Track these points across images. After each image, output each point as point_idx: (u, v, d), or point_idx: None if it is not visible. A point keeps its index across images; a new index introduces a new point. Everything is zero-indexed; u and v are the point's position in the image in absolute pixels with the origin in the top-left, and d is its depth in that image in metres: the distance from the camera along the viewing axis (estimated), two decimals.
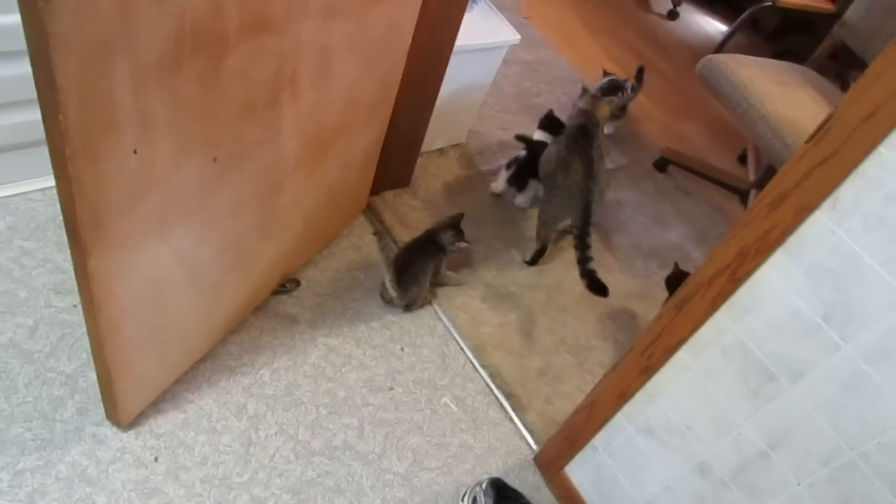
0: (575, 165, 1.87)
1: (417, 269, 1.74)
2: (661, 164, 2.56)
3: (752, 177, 2.57)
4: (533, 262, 2.03)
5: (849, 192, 0.89)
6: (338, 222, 1.85)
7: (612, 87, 2.45)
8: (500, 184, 2.17)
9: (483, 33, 1.94)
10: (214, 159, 1.13)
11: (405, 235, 1.93)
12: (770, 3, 2.25)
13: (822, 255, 0.94)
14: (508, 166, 2.15)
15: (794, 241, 0.96)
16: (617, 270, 2.12)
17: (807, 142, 0.91)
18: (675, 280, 1.92)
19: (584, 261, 1.78)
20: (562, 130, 2.18)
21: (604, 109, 2.10)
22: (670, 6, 3.58)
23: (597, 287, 1.76)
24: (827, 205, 0.91)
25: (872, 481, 0.96)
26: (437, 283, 1.83)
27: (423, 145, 2.12)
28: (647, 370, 1.23)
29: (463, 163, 2.25)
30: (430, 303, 1.82)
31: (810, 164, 0.91)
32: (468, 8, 1.95)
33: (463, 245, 1.80)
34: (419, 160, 2.15)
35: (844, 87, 3.36)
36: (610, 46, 3.14)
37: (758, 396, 1.07)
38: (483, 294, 1.89)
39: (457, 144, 2.29)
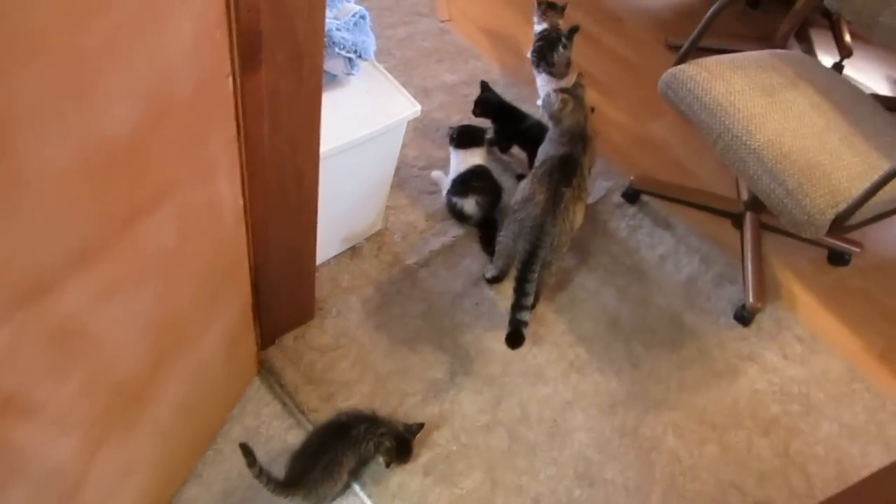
0: (538, 198, 1.56)
1: (332, 461, 1.30)
2: (632, 196, 2.08)
3: (744, 195, 2.09)
4: (492, 281, 1.79)
5: None
6: (218, 414, 1.40)
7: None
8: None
9: (368, 116, 1.44)
10: None
11: (314, 399, 1.49)
12: None
13: None
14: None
15: None
16: (595, 370, 1.68)
17: None
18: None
19: (515, 308, 1.51)
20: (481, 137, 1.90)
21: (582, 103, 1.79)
22: None
23: (512, 339, 1.51)
24: None
25: None
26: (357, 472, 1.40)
27: (323, 254, 1.66)
28: None
29: (383, 259, 1.77)
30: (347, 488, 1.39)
31: None
32: (343, 83, 1.46)
33: (385, 464, 1.41)
34: (325, 271, 1.70)
35: (840, 46, 2.84)
36: None
37: None
38: (425, 462, 1.46)
39: (373, 235, 1.81)
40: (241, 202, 1.07)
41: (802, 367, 1.80)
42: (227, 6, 0.82)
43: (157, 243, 0.87)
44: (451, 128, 1.91)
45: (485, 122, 2.01)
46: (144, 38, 0.68)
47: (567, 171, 1.61)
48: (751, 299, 1.84)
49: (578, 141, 1.70)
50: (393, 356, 1.60)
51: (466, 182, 1.83)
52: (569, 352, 1.70)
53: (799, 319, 1.91)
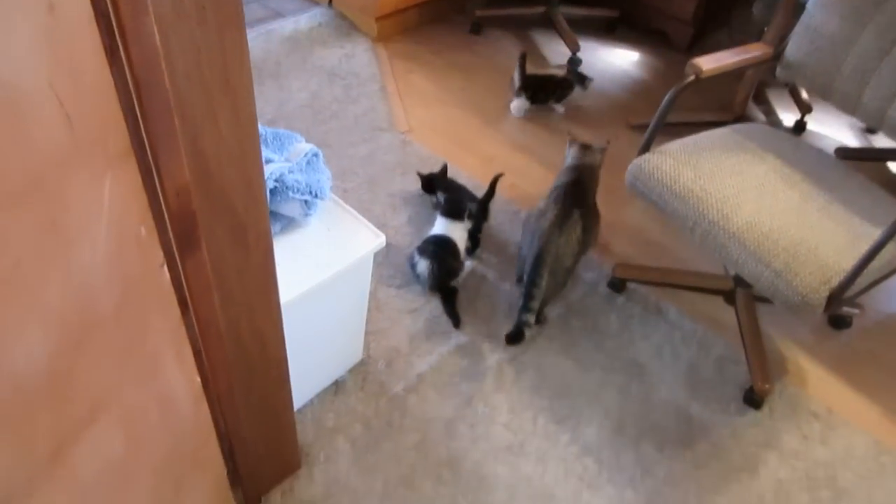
0: (549, 213, 1.75)
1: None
2: (618, 285, 2.03)
3: (731, 271, 2.04)
4: (511, 339, 1.83)
5: None
6: None
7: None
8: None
9: (331, 255, 1.39)
10: None
11: None
12: (693, 79, 1.72)
13: None
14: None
15: None
16: (606, 483, 1.57)
17: None
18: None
19: (521, 309, 1.72)
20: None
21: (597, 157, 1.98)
22: (569, 54, 3.06)
23: (514, 337, 1.78)
24: None
25: None
26: None
27: (305, 395, 1.59)
28: None
29: (369, 390, 1.69)
30: None
31: None
32: (302, 224, 1.42)
33: None
34: (308, 412, 1.61)
35: (799, 104, 2.88)
36: (513, 134, 2.61)
37: None
38: None
39: (355, 366, 1.73)
40: (198, 380, 1.00)
41: (824, 447, 1.69)
42: (151, 198, 0.78)
43: (97, 460, 0.79)
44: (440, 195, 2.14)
45: None
46: (52, 265, 0.63)
47: (578, 195, 1.81)
48: (757, 382, 1.75)
49: (584, 170, 1.90)
50: (390, 498, 1.49)
51: (428, 243, 1.90)
52: (576, 465, 1.60)
53: (811, 394, 1.82)
